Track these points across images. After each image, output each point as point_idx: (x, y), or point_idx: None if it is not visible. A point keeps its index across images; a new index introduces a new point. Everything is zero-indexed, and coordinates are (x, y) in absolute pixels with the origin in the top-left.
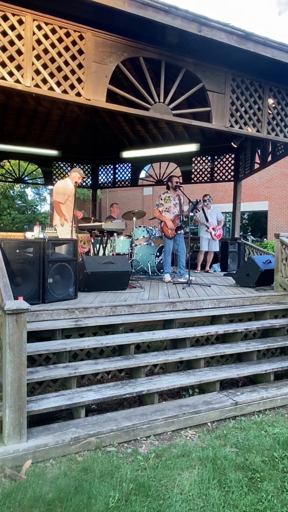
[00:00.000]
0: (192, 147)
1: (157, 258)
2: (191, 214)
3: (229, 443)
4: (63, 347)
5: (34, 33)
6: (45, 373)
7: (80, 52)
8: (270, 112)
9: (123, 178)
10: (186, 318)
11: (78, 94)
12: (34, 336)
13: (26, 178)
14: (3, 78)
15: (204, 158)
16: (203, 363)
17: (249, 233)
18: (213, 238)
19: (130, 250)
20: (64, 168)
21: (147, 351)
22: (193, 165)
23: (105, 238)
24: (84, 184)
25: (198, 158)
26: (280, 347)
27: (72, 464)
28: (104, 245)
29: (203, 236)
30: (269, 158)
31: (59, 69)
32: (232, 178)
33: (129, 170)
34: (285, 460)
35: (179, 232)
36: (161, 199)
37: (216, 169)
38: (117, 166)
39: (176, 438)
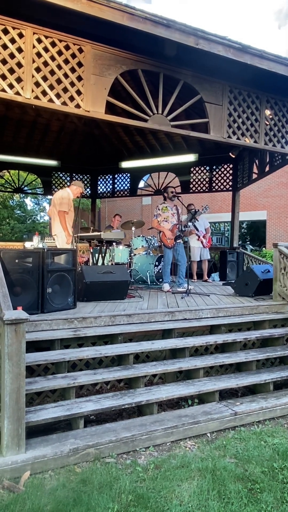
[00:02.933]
0: (190, 157)
1: (156, 267)
2: (190, 223)
3: (229, 453)
4: (62, 357)
5: (34, 46)
6: (44, 384)
7: (80, 64)
8: (267, 123)
9: (122, 188)
10: (185, 328)
11: (78, 106)
12: (33, 346)
13: (26, 188)
14: (4, 90)
15: (202, 168)
16: (202, 373)
17: (248, 243)
18: (204, 246)
19: (129, 260)
20: (64, 178)
21: (146, 361)
22: (192, 175)
23: (104, 247)
24: (83, 194)
25: (197, 168)
26: (279, 357)
27: (71, 476)
28: (103, 254)
29: (194, 245)
30: (267, 168)
31: (58, 81)
32: (230, 188)
33: (128, 180)
34: (285, 471)
35: (178, 241)
36: (159, 209)
37: (214, 179)
38: (116, 176)
39: (176, 449)
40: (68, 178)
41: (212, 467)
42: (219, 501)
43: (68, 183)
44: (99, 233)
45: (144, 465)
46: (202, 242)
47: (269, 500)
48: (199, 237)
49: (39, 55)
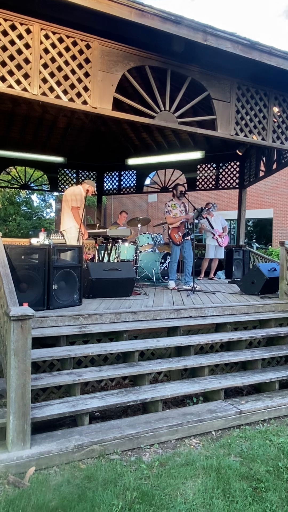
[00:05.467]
0: (197, 155)
1: (161, 265)
2: (196, 221)
3: (234, 452)
4: (68, 354)
5: (41, 42)
6: (49, 380)
7: (87, 61)
8: (275, 121)
9: (128, 185)
10: (190, 326)
11: (85, 102)
12: (39, 343)
13: (32, 184)
14: (11, 86)
15: (209, 166)
16: (208, 371)
17: (254, 241)
18: (220, 245)
19: (135, 257)
20: (70, 174)
21: (151, 358)
22: (198, 172)
23: (110, 244)
24: (94, 193)
25: (203, 166)
26: (285, 356)
27: (76, 472)
28: (109, 251)
29: (210, 243)
30: (274, 166)
31: (66, 77)
32: (237, 186)
33: (134, 177)
34: None
35: (186, 238)
36: (168, 206)
37: (221, 176)
38: (122, 173)
39: (180, 446)
40: (74, 175)
41: (216, 466)
42: (224, 499)
43: (75, 180)
44: (105, 230)
45: (149, 462)
46: (217, 240)
47: (274, 499)
48: (214, 235)
49: (46, 51)
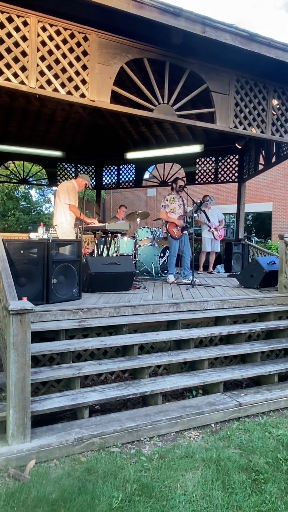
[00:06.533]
0: (196, 148)
1: (161, 259)
2: (195, 215)
3: (233, 444)
4: (67, 348)
5: (38, 35)
6: (49, 374)
7: (85, 53)
8: (275, 113)
9: (127, 179)
10: (189, 319)
11: (83, 95)
12: (38, 337)
13: (31, 179)
14: (8, 79)
15: (208, 159)
16: (207, 364)
17: (253, 234)
18: (216, 238)
19: (134, 251)
20: (69, 169)
21: (151, 352)
22: (197, 166)
23: (109, 239)
24: (88, 187)
25: (202, 159)
26: (284, 349)
27: (76, 465)
28: (108, 246)
29: (206, 236)
30: (274, 159)
31: (63, 70)
32: (236, 179)
33: (133, 171)
34: None
35: (184, 232)
36: (167, 200)
37: (220, 170)
38: (121, 167)
39: (180, 439)
40: (73, 169)
41: (216, 458)
42: (223, 491)
43: (73, 174)
44: (104, 224)
45: (149, 454)
46: (213, 233)
47: (273, 491)
48: (210, 228)
49: (43, 43)
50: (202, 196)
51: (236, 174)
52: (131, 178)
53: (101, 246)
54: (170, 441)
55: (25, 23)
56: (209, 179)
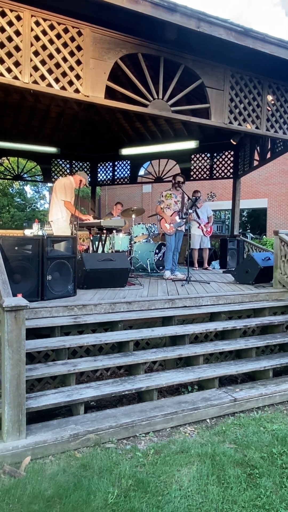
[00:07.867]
0: (191, 144)
1: (156, 255)
2: (190, 211)
3: (228, 439)
4: (62, 344)
5: (32, 29)
6: (44, 370)
7: (79, 48)
8: (269, 109)
9: (122, 175)
10: (185, 315)
11: (77, 91)
12: (33, 333)
13: (25, 175)
14: (1, 74)
15: (203, 155)
16: (202, 360)
17: (248, 231)
18: (205, 234)
19: (129, 247)
20: (63, 165)
21: (146, 348)
22: (192, 162)
23: (104, 235)
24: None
25: (197, 155)
26: (279, 344)
27: (71, 461)
28: (103, 242)
29: (195, 233)
30: (268, 155)
31: (57, 65)
32: (231, 175)
33: (128, 167)
34: (284, 456)
35: (179, 229)
36: (162, 195)
37: (215, 166)
38: (116, 163)
39: (175, 434)
40: (68, 166)
41: (211, 453)
42: (219, 485)
43: (68, 171)
44: (99, 221)
45: (144, 450)
46: (202, 230)
47: (268, 485)
48: (199, 224)
49: (37, 38)
50: (198, 192)
51: (231, 170)
52: (126, 175)
53: (96, 243)
54: (165, 437)
55: (18, 18)
56: (204, 175)
